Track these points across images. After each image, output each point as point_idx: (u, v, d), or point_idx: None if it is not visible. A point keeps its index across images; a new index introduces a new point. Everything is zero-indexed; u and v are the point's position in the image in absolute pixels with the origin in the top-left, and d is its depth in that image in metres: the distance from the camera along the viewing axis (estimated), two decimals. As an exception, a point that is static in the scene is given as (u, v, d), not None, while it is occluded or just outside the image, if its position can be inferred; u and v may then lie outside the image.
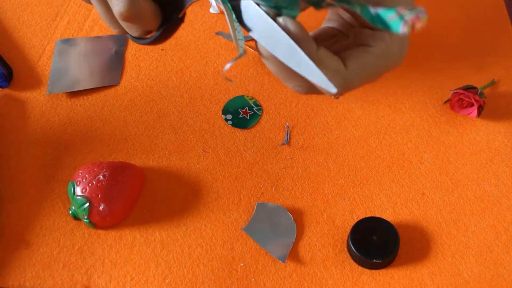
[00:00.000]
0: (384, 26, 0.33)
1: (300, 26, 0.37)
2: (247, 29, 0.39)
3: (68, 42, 0.65)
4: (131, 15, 0.44)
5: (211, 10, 0.68)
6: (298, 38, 0.36)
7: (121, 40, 0.65)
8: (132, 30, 0.48)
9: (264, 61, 0.40)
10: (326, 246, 0.51)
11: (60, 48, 0.64)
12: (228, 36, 0.66)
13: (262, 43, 0.38)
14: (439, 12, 0.67)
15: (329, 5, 0.36)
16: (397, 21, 0.31)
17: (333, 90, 0.35)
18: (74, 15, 0.67)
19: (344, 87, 0.39)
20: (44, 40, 0.65)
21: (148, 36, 0.49)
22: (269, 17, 0.37)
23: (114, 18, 0.49)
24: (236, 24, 0.38)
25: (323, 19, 0.46)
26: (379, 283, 0.49)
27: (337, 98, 0.46)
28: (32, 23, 0.67)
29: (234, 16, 0.38)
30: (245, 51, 0.39)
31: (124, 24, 0.48)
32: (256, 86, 0.61)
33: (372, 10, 0.33)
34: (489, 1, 0.68)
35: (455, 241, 0.51)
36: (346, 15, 0.44)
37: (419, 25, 0.31)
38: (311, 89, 0.41)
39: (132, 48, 0.64)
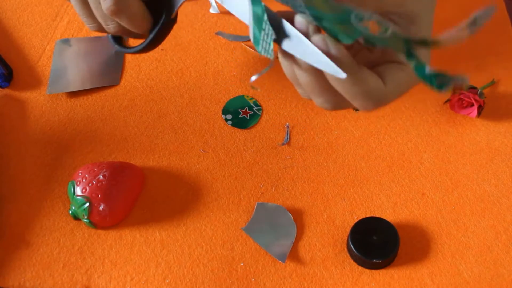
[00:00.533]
0: (429, 83, 0.34)
1: (341, 48, 0.36)
2: (277, 41, 0.37)
3: (68, 42, 0.65)
4: (119, 9, 0.44)
5: (211, 10, 0.68)
6: (340, 60, 0.36)
7: (121, 40, 0.65)
8: (119, 28, 0.48)
9: (298, 73, 0.39)
10: (326, 246, 0.51)
11: (60, 48, 0.64)
12: (228, 36, 0.66)
13: (299, 56, 0.37)
14: (439, 12, 0.67)
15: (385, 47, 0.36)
16: (445, 84, 0.33)
17: (343, 75, 0.34)
18: (74, 15, 0.67)
19: (381, 103, 0.40)
20: (44, 40, 0.65)
21: (140, 43, 0.48)
22: (304, 37, 0.35)
23: (91, 13, 0.49)
24: (267, 26, 0.36)
25: None
26: (379, 283, 0.49)
27: (358, 111, 0.47)
28: (32, 23, 0.67)
29: (266, 17, 0.35)
30: (274, 57, 0.36)
31: (111, 24, 0.48)
32: (256, 86, 0.61)
33: (428, 70, 0.33)
34: (489, 1, 0.68)
35: (455, 241, 0.51)
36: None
37: (457, 89, 0.33)
38: (339, 105, 0.41)
39: (132, 48, 0.64)
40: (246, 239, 0.51)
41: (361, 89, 0.38)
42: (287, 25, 0.36)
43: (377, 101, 0.39)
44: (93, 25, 0.50)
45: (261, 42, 0.36)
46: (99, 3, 0.46)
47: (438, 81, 0.33)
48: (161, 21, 0.46)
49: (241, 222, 0.52)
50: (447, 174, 0.55)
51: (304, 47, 0.35)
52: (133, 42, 0.51)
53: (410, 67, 0.39)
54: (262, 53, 0.36)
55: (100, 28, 0.50)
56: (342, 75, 0.34)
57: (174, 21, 0.47)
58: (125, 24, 0.46)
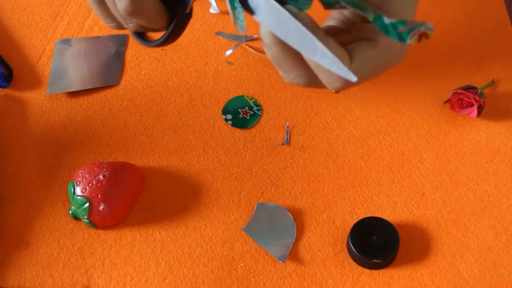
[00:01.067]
0: (392, 35, 0.34)
1: (308, 15, 0.37)
2: (251, 12, 0.38)
3: (68, 42, 0.65)
4: (135, 10, 0.44)
5: (211, 10, 0.68)
6: (308, 25, 0.36)
7: (121, 40, 0.65)
8: (138, 27, 0.48)
9: (265, 48, 0.39)
10: (326, 246, 0.51)
11: (60, 48, 0.64)
12: (228, 36, 0.65)
13: (271, 28, 0.37)
14: (439, 12, 0.67)
15: (342, 7, 0.36)
16: (406, 33, 0.33)
17: (354, 79, 0.35)
18: (74, 15, 0.67)
19: (348, 83, 0.39)
20: (44, 40, 0.65)
21: (157, 38, 0.49)
22: (278, 4, 0.36)
23: (109, 13, 0.49)
24: (237, 3, 0.38)
25: (326, 17, 0.46)
26: (379, 283, 0.49)
27: (338, 92, 0.46)
28: (32, 23, 0.67)
29: None
30: (245, 31, 0.39)
31: (131, 23, 0.48)
32: (256, 86, 0.61)
33: (386, 20, 0.34)
34: (489, 1, 0.68)
35: (455, 241, 0.51)
36: (348, 12, 0.44)
37: (424, 39, 0.33)
38: (311, 81, 0.40)
39: (132, 48, 0.64)
40: (246, 239, 0.51)
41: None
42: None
43: (341, 78, 0.38)
44: (112, 24, 0.50)
45: (235, 18, 0.38)
46: (116, 3, 0.46)
47: (401, 30, 0.34)
48: (177, 17, 0.47)
49: (241, 222, 0.52)
50: (447, 174, 0.55)
51: (284, 22, 0.36)
52: (155, 35, 0.51)
53: (380, 44, 0.39)
54: (238, 29, 0.39)
55: (120, 26, 0.50)
56: (353, 77, 0.35)
57: (189, 15, 0.47)
58: (142, 22, 0.47)
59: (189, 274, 0.50)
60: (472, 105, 0.57)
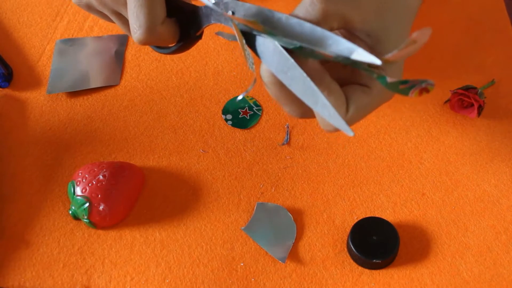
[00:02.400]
0: (395, 91, 0.36)
1: (316, 62, 0.38)
2: (258, 55, 0.41)
3: (68, 42, 0.65)
4: (148, 42, 0.45)
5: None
6: (313, 72, 0.38)
7: (121, 40, 0.65)
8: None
9: (266, 86, 0.41)
10: (326, 246, 0.51)
11: (60, 48, 0.64)
12: (228, 36, 0.65)
13: (276, 73, 0.39)
14: (439, 12, 0.67)
15: (354, 66, 0.37)
16: (408, 89, 0.35)
17: (351, 134, 0.36)
18: (74, 15, 0.67)
19: (341, 129, 0.40)
20: (44, 40, 0.65)
21: (169, 46, 0.49)
22: (286, 52, 0.38)
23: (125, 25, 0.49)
24: (246, 46, 0.40)
25: None
26: (379, 283, 0.49)
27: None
28: (32, 23, 0.67)
29: (244, 41, 0.40)
30: (254, 70, 0.41)
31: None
32: (256, 86, 0.61)
33: (389, 79, 0.35)
34: (489, 1, 0.68)
35: (455, 241, 0.51)
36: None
37: (425, 93, 0.35)
38: (306, 114, 0.42)
39: (132, 48, 0.64)
40: (246, 239, 0.51)
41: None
42: (267, 44, 0.39)
43: (337, 125, 0.39)
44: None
45: (245, 57, 0.40)
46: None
47: (402, 87, 0.35)
48: (187, 39, 0.47)
49: (241, 222, 0.52)
50: (447, 174, 0.55)
51: (289, 70, 0.38)
52: None
53: (374, 90, 0.41)
54: (249, 67, 0.41)
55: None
56: (350, 133, 0.36)
57: (199, 37, 0.48)
58: (154, 44, 0.48)
59: (189, 274, 0.50)
60: (472, 105, 0.57)
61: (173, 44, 0.49)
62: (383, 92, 0.41)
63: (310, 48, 0.37)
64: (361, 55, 0.35)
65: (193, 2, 0.47)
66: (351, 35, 0.42)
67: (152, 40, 0.45)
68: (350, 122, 0.40)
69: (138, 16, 0.43)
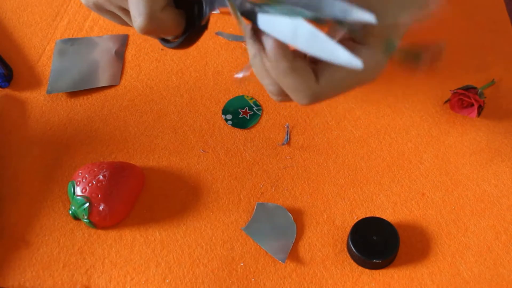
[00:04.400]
0: (404, 60, 0.35)
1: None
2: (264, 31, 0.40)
3: (68, 42, 0.65)
4: (150, 30, 0.45)
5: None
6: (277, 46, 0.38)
7: (121, 40, 0.65)
8: (155, 36, 0.49)
9: (272, 61, 0.40)
10: (326, 246, 0.51)
11: (60, 48, 0.64)
12: (228, 36, 0.66)
13: (277, 36, 0.38)
14: (439, 12, 0.67)
15: (350, 32, 0.37)
16: (418, 56, 0.35)
17: (359, 64, 0.35)
18: (74, 15, 0.67)
19: (312, 100, 0.40)
20: (44, 40, 0.65)
21: (175, 40, 0.49)
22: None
23: (123, 21, 0.49)
24: (242, 22, 0.39)
25: None
26: (379, 283, 0.49)
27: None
28: (32, 23, 0.67)
29: (239, 13, 0.39)
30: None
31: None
32: (256, 86, 0.61)
33: (396, 45, 0.35)
34: (489, 1, 0.68)
35: (455, 241, 0.51)
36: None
37: (436, 59, 0.35)
38: (281, 93, 0.41)
39: (132, 48, 0.64)
40: (246, 239, 0.51)
41: (290, 80, 0.39)
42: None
43: (307, 95, 0.40)
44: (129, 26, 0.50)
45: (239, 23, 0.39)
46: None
47: (411, 54, 0.35)
48: (192, 29, 0.47)
49: (241, 222, 0.52)
50: (447, 174, 0.55)
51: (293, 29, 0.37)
52: None
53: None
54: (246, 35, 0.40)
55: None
56: (358, 64, 0.35)
57: (205, 27, 0.48)
58: (158, 35, 0.47)
59: (189, 274, 0.50)
60: (472, 105, 0.57)
61: (179, 38, 0.49)
62: (365, 63, 0.41)
63: (314, 15, 0.36)
64: (357, 13, 0.34)
65: None
66: None
67: (153, 27, 0.44)
68: (321, 93, 0.40)
69: (137, 3, 0.43)
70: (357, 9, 0.34)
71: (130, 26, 0.49)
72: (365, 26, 0.40)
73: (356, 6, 0.34)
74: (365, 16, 0.34)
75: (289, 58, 0.38)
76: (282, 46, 0.38)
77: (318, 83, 0.40)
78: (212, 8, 0.45)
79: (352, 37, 0.42)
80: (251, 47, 0.40)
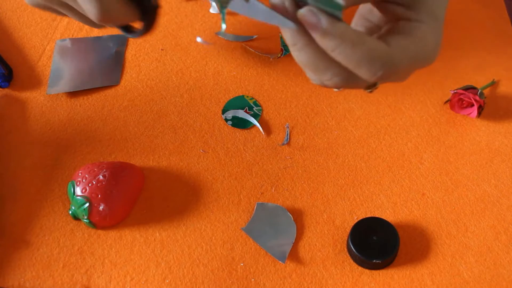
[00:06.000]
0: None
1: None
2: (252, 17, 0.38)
3: (68, 42, 0.65)
4: (105, 18, 0.46)
5: (211, 10, 0.68)
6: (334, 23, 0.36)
7: (121, 40, 0.65)
8: (114, 25, 0.49)
9: (297, 52, 0.38)
10: (326, 246, 0.51)
11: (60, 48, 0.64)
12: (228, 36, 0.66)
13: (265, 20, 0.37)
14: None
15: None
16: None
17: (291, 25, 0.35)
18: (74, 15, 0.67)
19: (390, 66, 0.37)
20: (44, 40, 0.65)
21: (136, 29, 0.50)
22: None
23: (82, 16, 0.50)
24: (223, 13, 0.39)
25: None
26: (379, 283, 0.49)
27: (372, 91, 0.46)
28: (32, 23, 0.67)
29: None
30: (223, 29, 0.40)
31: (108, 25, 0.50)
32: (256, 86, 0.61)
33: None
34: (489, 1, 0.68)
35: (455, 241, 0.51)
36: (374, 18, 0.44)
37: None
38: (348, 80, 0.39)
39: (132, 48, 0.64)
40: (246, 239, 0.51)
41: (362, 51, 0.36)
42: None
43: (383, 63, 0.37)
44: (89, 24, 0.51)
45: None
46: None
47: None
48: (146, 11, 0.48)
49: (241, 222, 0.52)
50: (447, 174, 0.55)
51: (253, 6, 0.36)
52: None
53: (416, 37, 0.39)
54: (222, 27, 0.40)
55: (96, 26, 0.52)
56: (290, 24, 0.35)
57: (157, 5, 0.49)
58: (113, 24, 0.48)
59: (189, 274, 0.50)
60: (472, 105, 0.57)
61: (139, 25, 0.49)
62: (423, 39, 0.39)
63: None
64: None
65: None
66: (382, 3, 0.41)
67: (108, 14, 0.45)
68: (396, 58, 0.38)
69: None
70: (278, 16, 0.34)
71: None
72: (416, 2, 0.40)
73: None
74: (286, 25, 0.34)
75: (350, 29, 0.36)
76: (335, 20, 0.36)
77: (390, 46, 0.38)
78: None
79: (402, 18, 0.41)
80: (299, 42, 0.38)
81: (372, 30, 0.44)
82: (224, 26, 0.40)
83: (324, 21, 0.35)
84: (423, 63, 0.40)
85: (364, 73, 0.38)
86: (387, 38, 0.39)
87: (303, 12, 0.36)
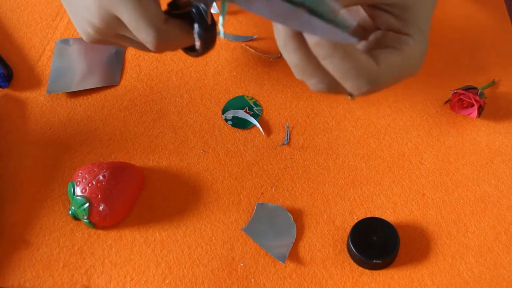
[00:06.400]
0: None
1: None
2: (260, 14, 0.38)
3: (68, 42, 0.65)
4: (163, 44, 0.46)
5: (212, 10, 0.68)
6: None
7: (121, 40, 0.65)
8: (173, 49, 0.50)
9: (287, 54, 0.39)
10: (326, 247, 0.51)
11: (60, 48, 0.64)
12: (228, 36, 0.65)
13: (280, 22, 0.37)
14: (439, 12, 0.67)
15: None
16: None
17: (353, 40, 0.34)
18: (74, 15, 0.67)
19: (375, 84, 0.39)
20: (44, 40, 0.65)
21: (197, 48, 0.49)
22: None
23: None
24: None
25: None
26: (379, 283, 0.49)
27: (354, 99, 0.47)
28: (32, 23, 0.67)
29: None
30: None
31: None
32: (256, 86, 0.61)
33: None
34: (489, 1, 0.68)
35: (455, 241, 0.51)
36: (361, 21, 0.45)
37: None
38: (332, 88, 0.40)
39: (132, 48, 0.64)
40: (246, 239, 0.51)
41: (351, 65, 0.37)
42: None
43: (369, 81, 0.38)
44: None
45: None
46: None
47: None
48: (204, 29, 0.47)
49: (241, 223, 0.52)
50: (447, 174, 0.55)
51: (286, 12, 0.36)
52: None
53: (403, 50, 0.40)
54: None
55: None
56: (352, 40, 0.34)
57: (213, 24, 0.48)
58: (174, 48, 0.48)
59: (189, 275, 0.50)
60: (473, 105, 0.57)
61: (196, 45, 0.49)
62: (411, 54, 0.41)
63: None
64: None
65: None
66: (372, 8, 0.42)
67: (165, 41, 0.45)
68: (382, 78, 0.39)
69: (141, 26, 0.45)
70: (340, 31, 0.33)
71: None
72: (406, 15, 0.40)
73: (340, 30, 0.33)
74: (348, 40, 0.33)
75: (344, 43, 0.37)
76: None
77: (379, 67, 0.39)
78: (208, 4, 0.45)
79: (391, 28, 0.41)
80: (291, 44, 0.38)
81: (355, 31, 0.44)
82: (222, 30, 0.40)
83: (320, 27, 0.35)
84: (407, 77, 0.42)
85: (349, 86, 0.39)
86: (377, 54, 0.40)
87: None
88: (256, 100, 0.60)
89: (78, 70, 0.62)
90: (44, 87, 0.61)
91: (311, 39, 0.37)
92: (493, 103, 0.59)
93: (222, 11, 0.39)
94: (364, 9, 0.43)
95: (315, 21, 0.35)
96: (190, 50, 0.51)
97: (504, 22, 0.66)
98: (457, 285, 0.49)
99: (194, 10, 0.46)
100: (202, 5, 0.45)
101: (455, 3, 0.68)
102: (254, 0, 0.36)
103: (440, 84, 0.61)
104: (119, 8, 0.44)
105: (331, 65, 0.37)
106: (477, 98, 0.56)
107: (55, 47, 0.64)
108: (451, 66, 0.63)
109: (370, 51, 0.40)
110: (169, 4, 0.49)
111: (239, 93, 0.61)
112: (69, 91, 0.60)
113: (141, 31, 0.45)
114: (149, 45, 0.46)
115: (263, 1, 0.37)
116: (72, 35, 0.65)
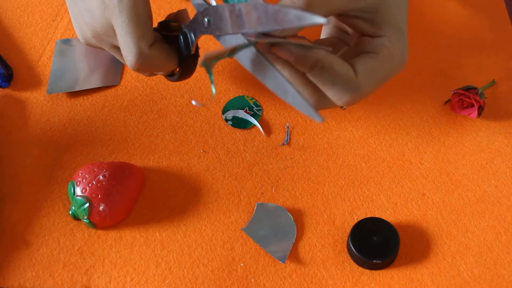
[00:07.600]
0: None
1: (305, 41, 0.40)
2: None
3: (68, 42, 0.65)
4: (141, 67, 0.47)
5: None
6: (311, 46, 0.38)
7: (121, 40, 0.65)
8: (155, 73, 0.50)
9: (279, 67, 0.41)
10: (326, 247, 0.51)
11: (60, 48, 0.64)
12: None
13: (250, 71, 0.40)
14: (439, 12, 0.67)
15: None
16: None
17: (319, 120, 0.37)
18: (74, 15, 0.67)
19: (356, 93, 0.40)
20: (44, 40, 0.65)
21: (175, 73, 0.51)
22: (260, 54, 0.39)
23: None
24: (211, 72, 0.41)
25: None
26: (379, 283, 0.49)
27: (345, 109, 0.48)
28: (32, 23, 0.67)
29: (212, 78, 0.41)
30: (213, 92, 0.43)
31: (146, 74, 0.52)
32: (256, 86, 0.61)
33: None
34: (489, 1, 0.68)
35: (455, 241, 0.51)
36: (335, 32, 0.46)
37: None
38: (322, 101, 0.42)
39: (132, 48, 0.64)
40: (246, 239, 0.51)
41: (329, 75, 0.38)
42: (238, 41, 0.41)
43: (349, 89, 0.39)
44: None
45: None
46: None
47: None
48: (186, 58, 0.48)
49: (241, 223, 0.52)
50: (447, 174, 0.55)
51: (262, 67, 0.40)
52: None
53: (380, 54, 0.40)
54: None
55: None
56: (318, 119, 0.37)
57: (196, 54, 0.49)
58: (151, 72, 0.50)
59: (189, 275, 0.50)
60: (473, 105, 0.57)
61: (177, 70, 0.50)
62: (390, 55, 0.41)
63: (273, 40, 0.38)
64: (311, 18, 0.33)
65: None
66: (344, 17, 0.42)
67: (145, 64, 0.47)
68: (363, 86, 0.40)
69: (126, 43, 0.46)
70: (310, 15, 0.34)
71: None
72: (377, 18, 0.41)
73: (308, 12, 0.34)
74: (318, 20, 0.34)
75: (323, 53, 0.38)
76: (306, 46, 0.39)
77: (358, 76, 0.39)
78: (196, 35, 0.46)
79: (365, 33, 0.42)
80: (280, 61, 0.41)
81: (341, 36, 0.45)
82: (214, 90, 0.42)
83: (295, 50, 0.38)
84: (391, 77, 0.42)
85: (331, 96, 0.40)
86: (354, 62, 0.40)
87: (275, 48, 0.39)
88: (256, 100, 0.60)
89: (79, 70, 0.62)
90: (44, 87, 0.61)
91: (291, 60, 0.39)
92: (493, 103, 0.59)
93: (210, 74, 0.40)
94: (337, 18, 0.44)
95: (288, 87, 0.38)
96: (168, 74, 0.52)
97: (504, 22, 0.66)
98: (457, 285, 0.49)
99: (181, 36, 0.47)
100: (191, 34, 0.46)
101: (455, 3, 0.68)
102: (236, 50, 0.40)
103: (440, 84, 0.61)
104: (116, 20, 0.46)
105: (314, 77, 0.39)
106: (477, 98, 0.56)
107: (55, 47, 0.64)
108: (451, 66, 0.63)
109: (349, 60, 0.40)
110: (160, 24, 0.50)
111: (239, 93, 0.61)
112: (69, 91, 0.60)
113: (125, 48, 0.46)
114: (128, 63, 0.47)
115: (245, 52, 0.40)
116: (73, 35, 0.65)
